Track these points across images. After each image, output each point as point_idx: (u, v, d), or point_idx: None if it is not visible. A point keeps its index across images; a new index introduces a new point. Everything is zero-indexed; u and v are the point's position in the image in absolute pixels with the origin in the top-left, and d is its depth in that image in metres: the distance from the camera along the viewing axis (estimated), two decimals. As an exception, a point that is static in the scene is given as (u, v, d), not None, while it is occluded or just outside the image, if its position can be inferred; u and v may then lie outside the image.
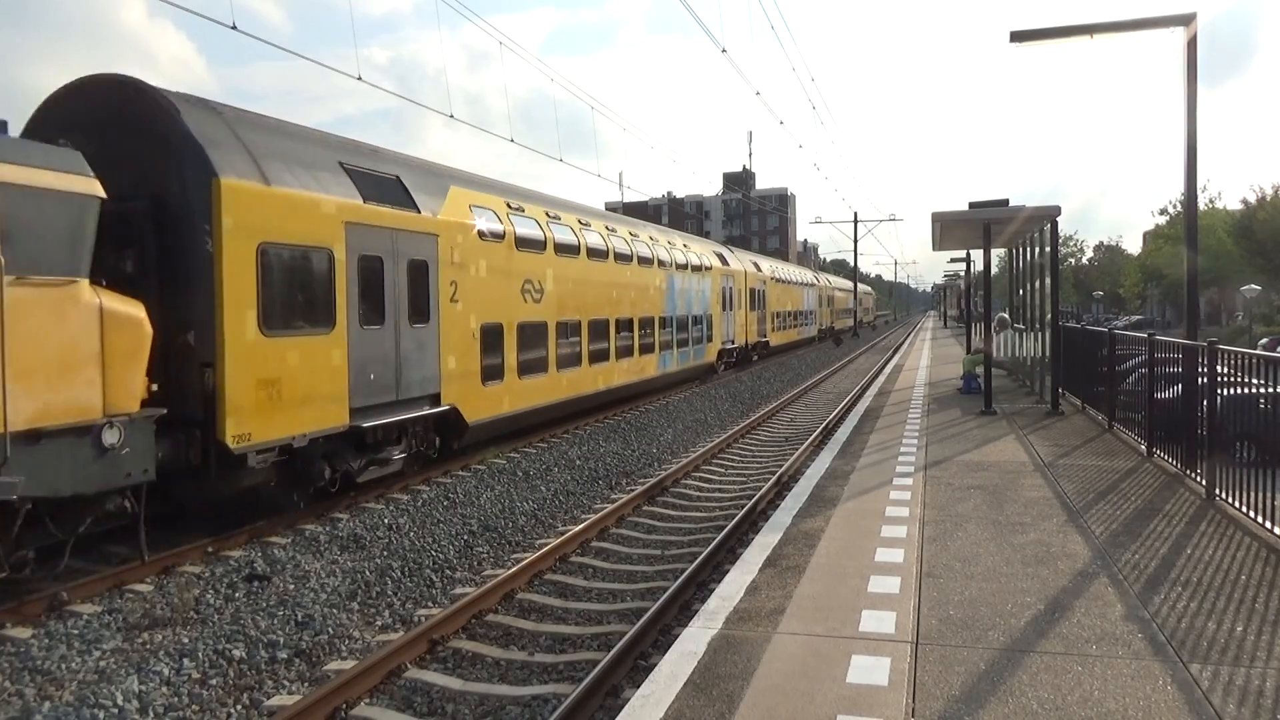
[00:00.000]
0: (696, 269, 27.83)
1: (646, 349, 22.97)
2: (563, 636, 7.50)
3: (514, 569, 8.72)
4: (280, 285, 10.33)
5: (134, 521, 8.54)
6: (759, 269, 38.62)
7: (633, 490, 12.68)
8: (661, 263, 24.45)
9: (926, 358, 30.25)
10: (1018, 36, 11.37)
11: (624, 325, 21.36)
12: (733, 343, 32.50)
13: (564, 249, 18.07)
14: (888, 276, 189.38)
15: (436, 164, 15.37)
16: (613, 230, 21.59)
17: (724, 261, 31.92)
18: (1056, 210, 14.16)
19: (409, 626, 7.68)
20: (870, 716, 4.06)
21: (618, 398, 21.13)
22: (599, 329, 19.76)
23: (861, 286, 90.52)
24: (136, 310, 8.38)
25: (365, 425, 11.53)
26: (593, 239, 19.84)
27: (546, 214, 17.89)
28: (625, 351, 21.40)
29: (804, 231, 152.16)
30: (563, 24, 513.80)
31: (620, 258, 21.28)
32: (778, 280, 42.33)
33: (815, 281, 57.27)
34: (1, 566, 7.47)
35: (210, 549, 9.63)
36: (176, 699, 6.27)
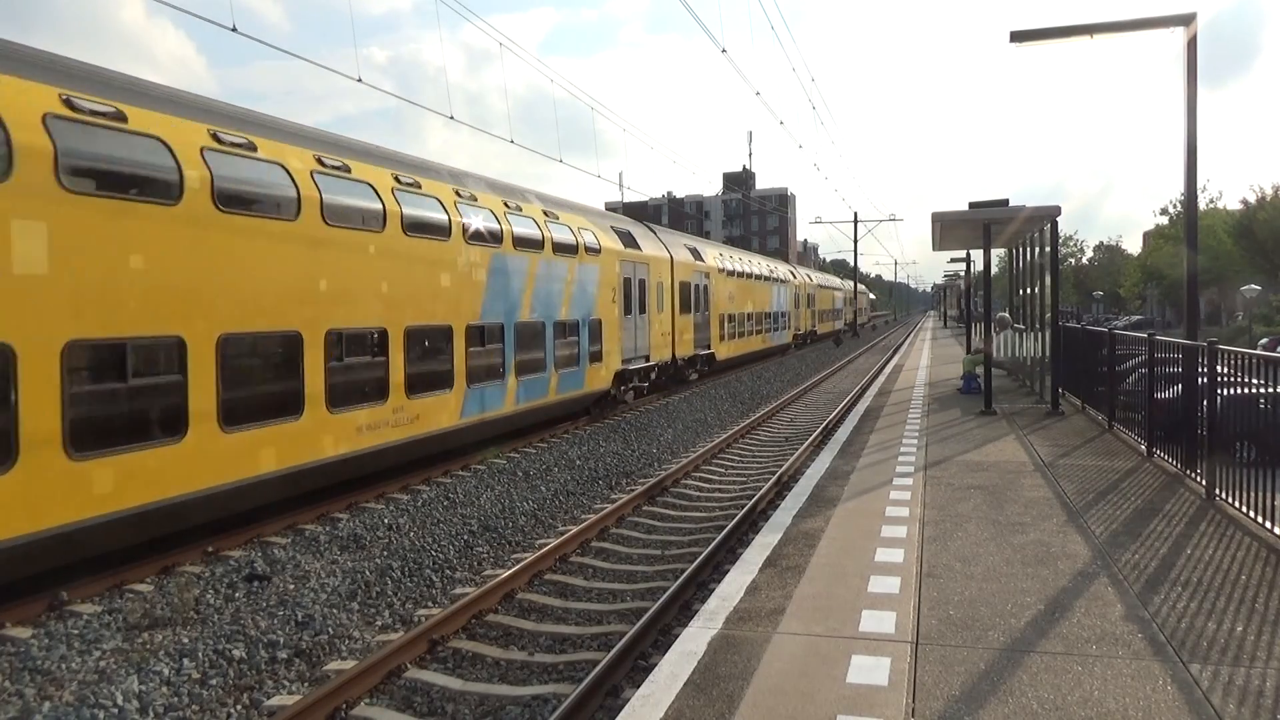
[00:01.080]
0: (565, 249, 17.96)
1: (430, 382, 13.34)
2: (563, 636, 7.50)
3: (514, 569, 8.72)
4: None
5: None
6: (699, 257, 28.76)
7: (633, 490, 12.68)
8: (479, 236, 14.77)
9: (926, 358, 30.24)
10: (1018, 37, 11.36)
11: (361, 344, 11.98)
12: (646, 359, 23.09)
13: (118, 186, 8.67)
14: (888, 276, 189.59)
15: None
16: (340, 171, 11.77)
17: (629, 243, 22.03)
18: (1056, 210, 14.16)
19: (409, 626, 7.68)
20: (870, 716, 4.05)
21: (339, 478, 11.68)
22: (267, 353, 10.57)
23: (860, 287, 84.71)
24: None
25: None
26: (254, 175, 10.34)
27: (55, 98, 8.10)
28: (368, 391, 11.95)
29: (804, 231, 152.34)
30: (562, 24, 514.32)
31: (347, 218, 11.66)
32: (729, 273, 32.66)
33: (791, 276, 47.35)
34: None
35: (210, 549, 9.63)
36: (176, 699, 6.28)
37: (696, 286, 28.05)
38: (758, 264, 39.75)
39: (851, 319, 75.70)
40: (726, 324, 32.20)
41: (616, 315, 20.87)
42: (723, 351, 31.62)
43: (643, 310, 22.87)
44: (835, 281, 72.26)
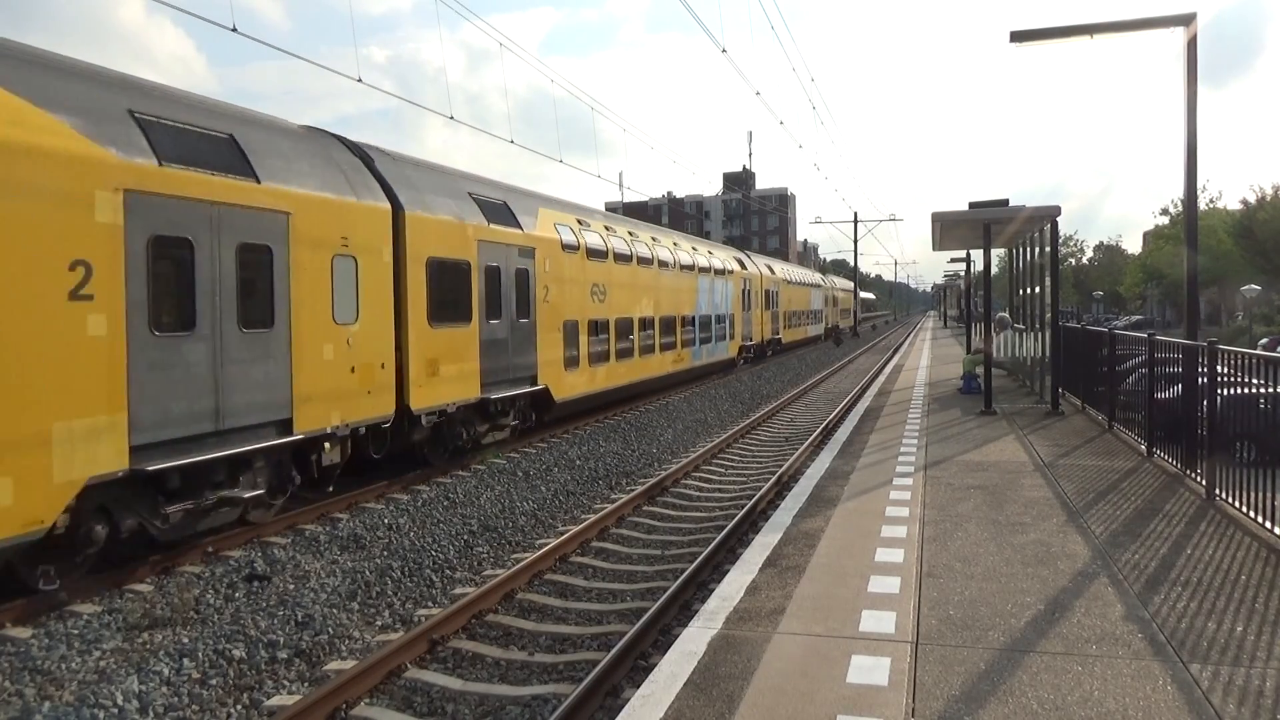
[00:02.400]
0: None
1: None
2: (563, 636, 7.50)
3: (514, 569, 8.72)
4: None
5: None
6: (563, 229, 18.19)
7: (633, 490, 12.68)
8: None
9: (926, 358, 30.25)
10: (1018, 37, 11.38)
11: None
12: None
13: None
14: (888, 276, 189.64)
15: None
16: None
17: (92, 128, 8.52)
18: (1056, 210, 14.17)
19: (409, 626, 7.68)
20: (870, 716, 4.05)
21: None
22: None
23: (841, 281, 74.18)
24: None
25: None
26: None
27: None
28: None
29: (804, 231, 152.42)
30: (562, 23, 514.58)
31: None
32: (617, 258, 20.82)
33: (737, 265, 34.00)
34: None
35: (210, 549, 9.64)
36: (176, 699, 6.27)
37: (526, 277, 16.19)
38: (668, 245, 25.72)
39: (839, 322, 66.17)
40: (614, 338, 19.98)
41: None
42: (580, 384, 18.37)
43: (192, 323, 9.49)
44: (814, 276, 58.17)
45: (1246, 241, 55.17)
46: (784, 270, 46.32)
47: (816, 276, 60.18)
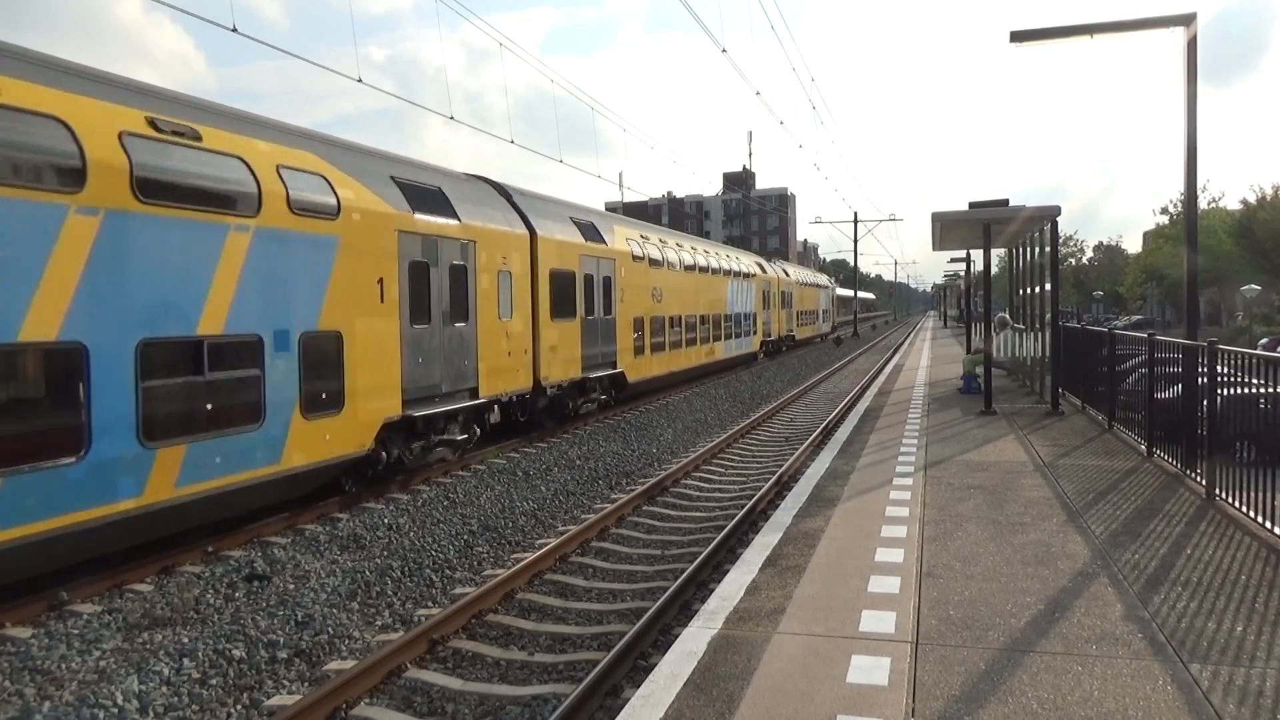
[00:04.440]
0: None
1: None
2: (563, 636, 7.50)
3: (514, 569, 8.72)
4: None
5: None
6: None
7: (633, 490, 12.68)
8: None
9: (926, 358, 30.24)
10: (1018, 37, 11.36)
11: None
12: None
13: None
14: (888, 276, 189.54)
15: None
16: None
17: None
18: (1056, 210, 14.17)
19: (409, 626, 7.68)
20: (870, 716, 4.05)
21: None
22: None
23: (799, 271, 55.27)
24: None
25: None
26: None
27: None
28: None
29: (804, 231, 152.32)
30: (562, 23, 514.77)
31: None
32: None
33: (361, 201, 11.35)
34: None
35: (210, 549, 9.64)
36: (176, 699, 6.27)
37: None
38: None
39: (795, 329, 46.76)
40: None
41: None
42: None
43: None
44: (737, 260, 33.97)
45: (1246, 241, 55.16)
46: (641, 241, 22.91)
47: (747, 261, 36.63)
